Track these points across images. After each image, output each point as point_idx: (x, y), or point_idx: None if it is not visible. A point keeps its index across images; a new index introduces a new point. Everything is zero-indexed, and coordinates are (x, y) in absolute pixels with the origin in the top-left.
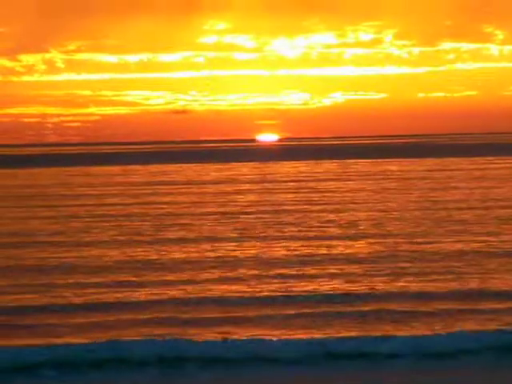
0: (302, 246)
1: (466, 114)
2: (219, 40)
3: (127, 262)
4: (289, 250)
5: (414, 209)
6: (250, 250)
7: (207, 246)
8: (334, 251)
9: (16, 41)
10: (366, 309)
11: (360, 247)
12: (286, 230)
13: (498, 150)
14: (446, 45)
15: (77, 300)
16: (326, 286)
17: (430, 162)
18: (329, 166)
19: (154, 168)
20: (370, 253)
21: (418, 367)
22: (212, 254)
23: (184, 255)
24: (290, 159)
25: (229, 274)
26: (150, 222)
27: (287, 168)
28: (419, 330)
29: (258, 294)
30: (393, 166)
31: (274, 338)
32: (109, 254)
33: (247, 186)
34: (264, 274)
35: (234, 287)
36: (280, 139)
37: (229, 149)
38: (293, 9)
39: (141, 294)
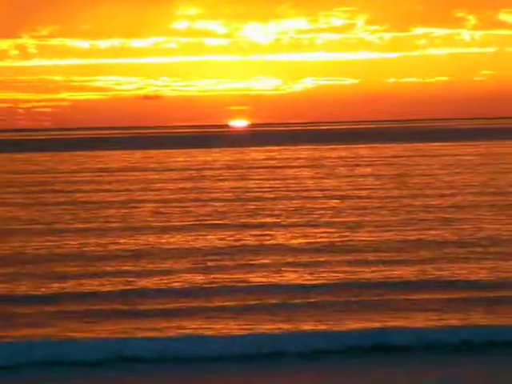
0: (240, 235)
1: (437, 99)
2: (191, 25)
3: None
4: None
5: (372, 197)
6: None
7: (154, 235)
8: (281, 241)
9: None
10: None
11: (309, 236)
12: (237, 218)
13: (469, 134)
14: (418, 30)
15: None
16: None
17: (401, 148)
18: (299, 151)
19: (125, 154)
20: (310, 243)
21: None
22: (162, 242)
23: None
24: (260, 145)
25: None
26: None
27: (257, 154)
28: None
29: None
30: (363, 150)
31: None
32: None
33: (214, 172)
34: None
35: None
36: (251, 125)
37: (200, 135)
38: None
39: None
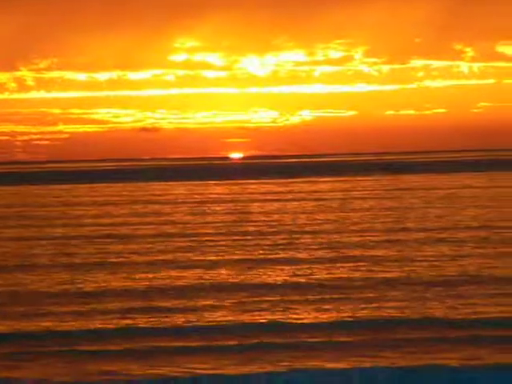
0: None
1: (435, 131)
2: (189, 58)
3: None
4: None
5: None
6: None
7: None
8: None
9: None
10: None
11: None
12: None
13: (467, 166)
14: (416, 62)
15: None
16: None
17: (395, 181)
18: (295, 184)
19: (119, 187)
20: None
21: None
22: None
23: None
24: (256, 177)
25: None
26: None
27: (252, 187)
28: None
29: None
30: (366, 182)
31: None
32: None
33: (214, 206)
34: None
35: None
36: (249, 157)
37: (196, 167)
38: (262, 27)
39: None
